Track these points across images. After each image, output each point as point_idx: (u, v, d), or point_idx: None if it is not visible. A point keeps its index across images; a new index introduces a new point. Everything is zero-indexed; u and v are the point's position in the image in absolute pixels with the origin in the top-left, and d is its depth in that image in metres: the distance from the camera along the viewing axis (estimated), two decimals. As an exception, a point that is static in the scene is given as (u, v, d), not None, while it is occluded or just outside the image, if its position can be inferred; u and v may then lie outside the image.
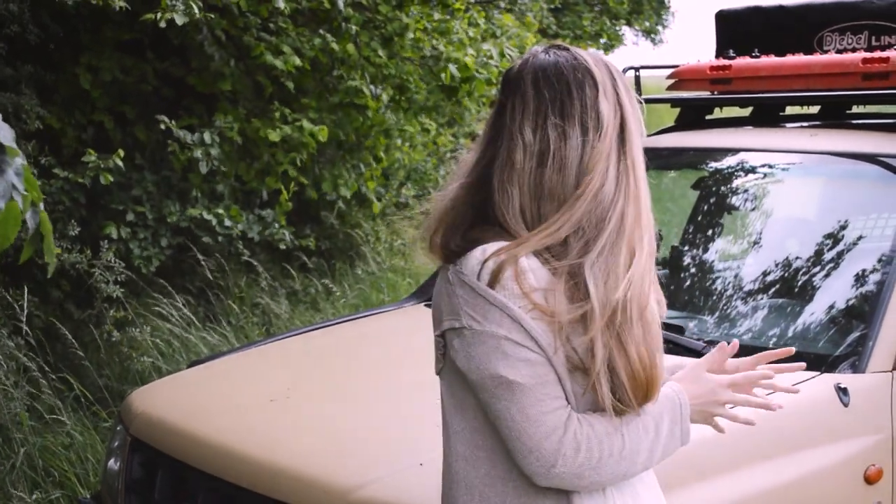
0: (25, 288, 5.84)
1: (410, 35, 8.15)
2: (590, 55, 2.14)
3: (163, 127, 6.91)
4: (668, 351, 2.68)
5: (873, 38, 4.62)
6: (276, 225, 7.65)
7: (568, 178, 2.05)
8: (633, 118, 2.12)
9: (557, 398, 2.01)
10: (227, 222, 7.34)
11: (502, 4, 9.82)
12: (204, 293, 7.22)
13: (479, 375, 2.04)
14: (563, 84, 2.08)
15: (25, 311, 5.79)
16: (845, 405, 3.15)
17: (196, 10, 6.40)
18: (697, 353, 3.30)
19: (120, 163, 6.60)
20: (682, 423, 2.15)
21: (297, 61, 7.34)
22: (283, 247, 7.67)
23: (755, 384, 2.30)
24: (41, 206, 2.06)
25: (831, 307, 3.61)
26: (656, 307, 2.13)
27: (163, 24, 6.29)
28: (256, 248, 7.91)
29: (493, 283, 2.01)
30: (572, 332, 2.00)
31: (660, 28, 25.30)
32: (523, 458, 2.03)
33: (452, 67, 8.21)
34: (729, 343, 2.31)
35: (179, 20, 6.31)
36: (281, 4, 7.14)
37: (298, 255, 8.25)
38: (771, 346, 3.50)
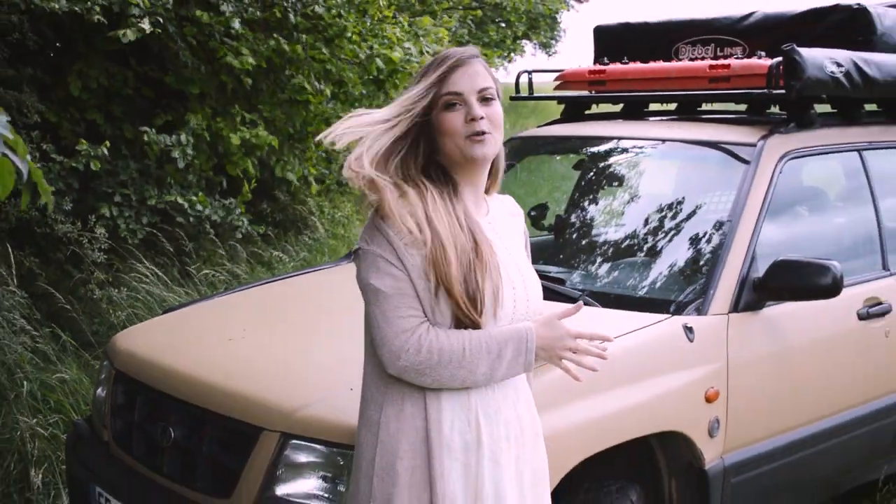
0: (10, 254, 5.73)
1: (349, 35, 8.12)
2: (439, 55, 2.31)
3: (146, 138, 6.89)
4: (552, 298, 2.75)
5: (718, 49, 4.71)
6: (238, 212, 7.61)
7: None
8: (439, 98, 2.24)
9: (412, 308, 2.14)
10: (199, 206, 7.30)
11: (420, 18, 9.84)
12: (178, 258, 7.17)
13: (361, 285, 2.20)
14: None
15: (15, 273, 5.71)
16: (691, 341, 3.25)
17: (147, 27, 6.37)
18: (575, 300, 3.38)
19: (107, 152, 6.63)
20: (526, 354, 2.21)
21: (252, 60, 7.30)
22: (238, 235, 7.65)
23: (595, 339, 2.31)
24: (27, 157, 2.03)
25: (681, 263, 3.68)
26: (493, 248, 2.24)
27: (125, 41, 6.30)
28: (222, 225, 7.84)
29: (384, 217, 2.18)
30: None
31: (553, 42, 25.34)
32: (378, 350, 2.17)
33: (379, 61, 8.22)
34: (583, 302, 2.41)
35: (132, 35, 6.33)
36: (237, 25, 7.11)
37: (256, 229, 8.18)
38: (632, 293, 3.61)
